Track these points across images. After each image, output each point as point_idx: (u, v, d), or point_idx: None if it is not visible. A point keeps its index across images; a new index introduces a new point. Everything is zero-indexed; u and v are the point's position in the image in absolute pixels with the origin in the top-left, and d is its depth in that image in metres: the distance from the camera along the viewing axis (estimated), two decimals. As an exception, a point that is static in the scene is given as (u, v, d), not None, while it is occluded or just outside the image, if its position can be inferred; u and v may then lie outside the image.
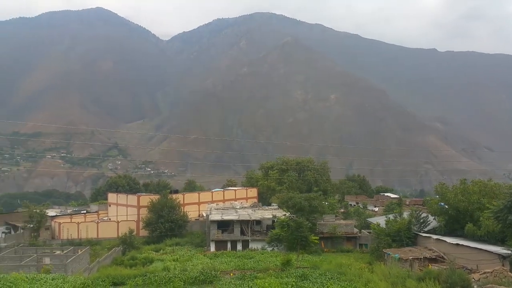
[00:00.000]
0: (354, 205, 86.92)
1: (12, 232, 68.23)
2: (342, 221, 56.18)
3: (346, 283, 27.88)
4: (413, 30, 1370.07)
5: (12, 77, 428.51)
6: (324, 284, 27.88)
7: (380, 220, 50.27)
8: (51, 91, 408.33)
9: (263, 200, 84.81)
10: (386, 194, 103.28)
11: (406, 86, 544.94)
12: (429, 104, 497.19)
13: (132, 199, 71.38)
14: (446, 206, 42.39)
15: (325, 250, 48.50)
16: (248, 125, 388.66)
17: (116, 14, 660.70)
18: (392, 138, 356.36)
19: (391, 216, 46.89)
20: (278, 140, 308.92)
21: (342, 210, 74.79)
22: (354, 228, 53.88)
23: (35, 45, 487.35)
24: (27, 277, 29.32)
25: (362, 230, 55.14)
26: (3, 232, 68.35)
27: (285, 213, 51.46)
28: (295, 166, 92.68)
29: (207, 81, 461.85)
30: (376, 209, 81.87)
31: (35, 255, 45.86)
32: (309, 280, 28.99)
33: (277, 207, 64.69)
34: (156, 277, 29.85)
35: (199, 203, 75.32)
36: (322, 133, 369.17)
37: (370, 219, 59.08)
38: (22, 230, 65.15)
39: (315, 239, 45.44)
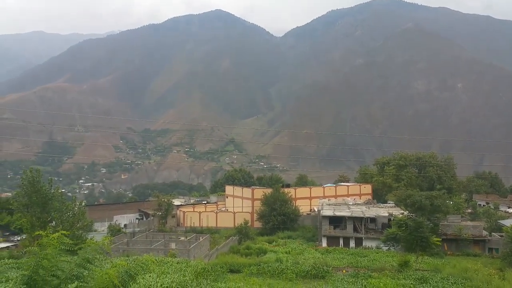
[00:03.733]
0: (483, 205, 78.72)
1: (144, 219, 76.58)
2: (469, 223, 51.84)
3: (471, 290, 25.21)
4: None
5: (144, 80, 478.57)
6: (446, 289, 25.61)
7: (516, 223, 44.89)
8: (177, 91, 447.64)
9: (378, 197, 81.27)
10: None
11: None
12: None
13: (247, 191, 74.59)
14: None
15: (448, 253, 44.91)
16: (362, 118, 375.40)
17: (233, 14, 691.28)
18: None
19: (529, 219, 41.61)
20: (395, 134, 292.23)
21: (470, 211, 68.62)
22: (483, 231, 49.04)
23: (163, 49, 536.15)
24: (156, 260, 32.40)
25: (493, 233, 50.00)
26: (137, 219, 77.28)
27: (402, 211, 48.96)
28: (415, 161, 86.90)
29: (320, 74, 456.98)
30: (510, 210, 73.27)
31: (163, 240, 50.60)
32: (429, 283, 26.83)
33: (393, 205, 61.89)
34: (270, 267, 30.70)
35: (310, 198, 75.44)
36: (447, 126, 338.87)
37: (502, 221, 53.51)
38: (152, 217, 72.64)
39: (437, 241, 42.09)
